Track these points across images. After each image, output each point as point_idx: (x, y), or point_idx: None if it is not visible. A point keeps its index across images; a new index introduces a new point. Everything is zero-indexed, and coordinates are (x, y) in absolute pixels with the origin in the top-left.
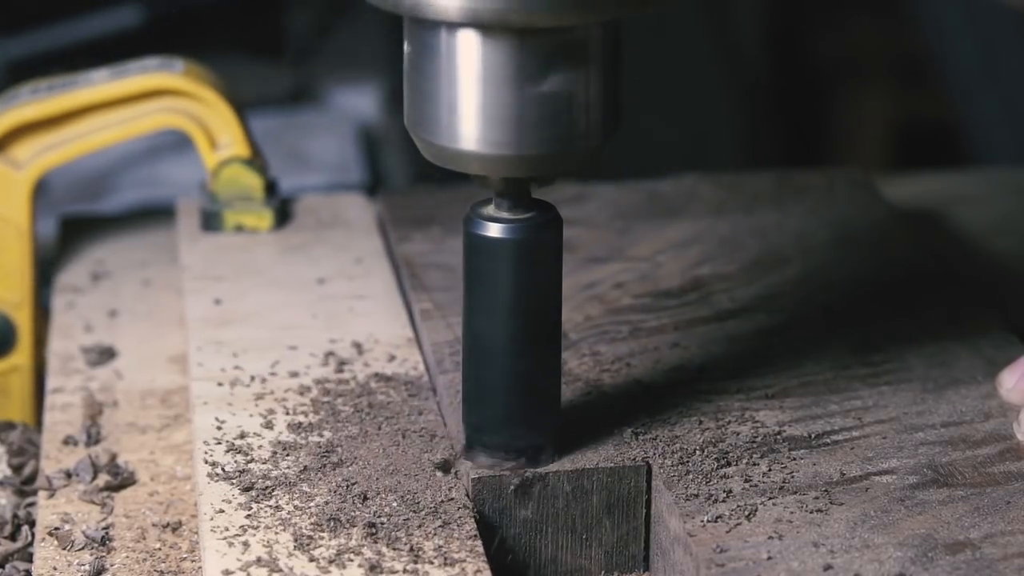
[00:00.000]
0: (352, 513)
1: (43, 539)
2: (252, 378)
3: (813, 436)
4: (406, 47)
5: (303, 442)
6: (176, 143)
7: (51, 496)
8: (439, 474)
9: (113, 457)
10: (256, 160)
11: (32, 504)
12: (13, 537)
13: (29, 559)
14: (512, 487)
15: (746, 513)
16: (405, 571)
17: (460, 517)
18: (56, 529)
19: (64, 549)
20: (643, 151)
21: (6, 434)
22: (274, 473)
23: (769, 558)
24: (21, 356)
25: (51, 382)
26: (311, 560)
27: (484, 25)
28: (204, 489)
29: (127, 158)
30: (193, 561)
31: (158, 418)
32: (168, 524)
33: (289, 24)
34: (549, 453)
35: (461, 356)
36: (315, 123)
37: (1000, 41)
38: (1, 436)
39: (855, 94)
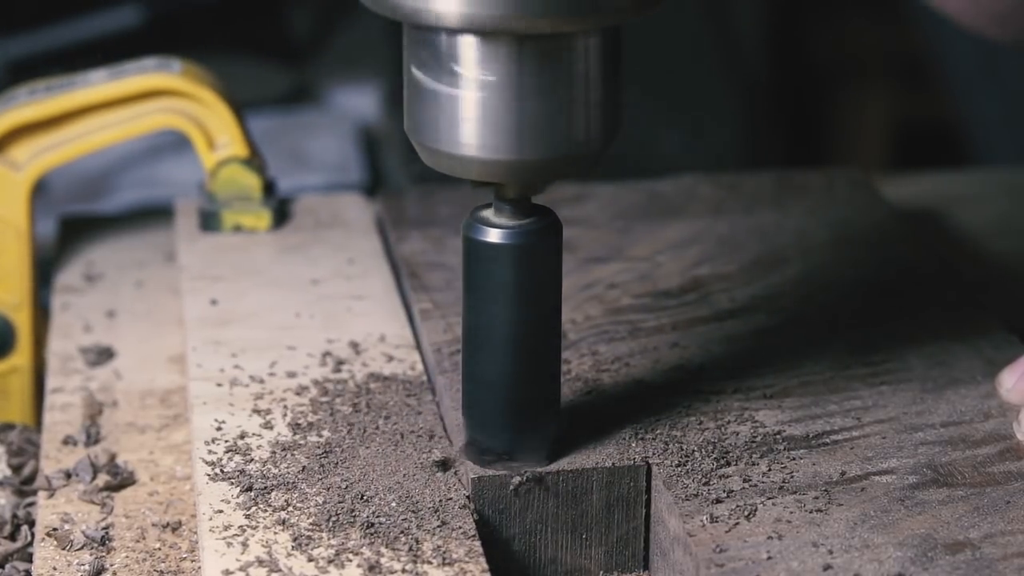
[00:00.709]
0: (351, 513)
1: (43, 539)
2: (251, 378)
3: (812, 436)
4: (405, 53)
5: (302, 442)
6: (175, 143)
7: (51, 496)
8: (438, 474)
9: (113, 457)
10: (254, 160)
11: (32, 504)
12: (13, 537)
13: (29, 559)
14: (512, 487)
15: (746, 513)
16: (404, 571)
17: (459, 517)
18: (56, 529)
19: (64, 549)
20: (643, 151)
21: (6, 434)
22: (273, 473)
23: (769, 558)
24: (21, 357)
25: (50, 382)
26: (310, 560)
27: (484, 31)
28: (203, 489)
29: (126, 158)
30: (193, 561)
31: (157, 418)
32: (168, 524)
33: (289, 24)
34: (549, 453)
35: (461, 356)
36: (315, 123)
37: None
38: (1, 436)
39: (855, 94)
